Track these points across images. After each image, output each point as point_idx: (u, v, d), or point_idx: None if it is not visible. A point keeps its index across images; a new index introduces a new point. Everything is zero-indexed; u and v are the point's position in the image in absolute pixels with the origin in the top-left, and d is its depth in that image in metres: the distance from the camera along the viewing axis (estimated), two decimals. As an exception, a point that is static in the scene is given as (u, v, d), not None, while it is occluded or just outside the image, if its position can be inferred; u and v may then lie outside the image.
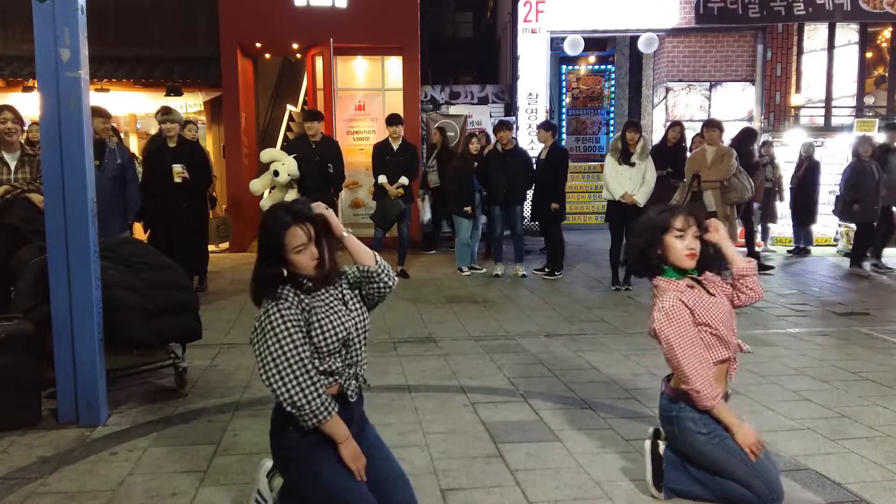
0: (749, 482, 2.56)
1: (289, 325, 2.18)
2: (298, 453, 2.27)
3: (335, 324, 2.25)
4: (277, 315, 2.19)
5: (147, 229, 6.90)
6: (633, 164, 7.19)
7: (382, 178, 7.63)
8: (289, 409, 2.16)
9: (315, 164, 7.30)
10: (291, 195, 7.27)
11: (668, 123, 8.70)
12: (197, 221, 6.93)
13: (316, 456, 2.24)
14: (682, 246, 2.61)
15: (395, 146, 7.74)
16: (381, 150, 7.81)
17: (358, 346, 2.34)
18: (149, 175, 6.64)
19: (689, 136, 8.61)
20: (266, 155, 7.39)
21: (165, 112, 6.79)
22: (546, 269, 8.10)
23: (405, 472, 2.46)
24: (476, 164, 8.09)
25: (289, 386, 2.14)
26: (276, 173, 7.13)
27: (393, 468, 2.41)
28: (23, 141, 4.93)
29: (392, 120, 7.78)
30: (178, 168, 6.52)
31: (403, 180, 7.63)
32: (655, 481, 2.76)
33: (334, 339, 2.23)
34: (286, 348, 2.15)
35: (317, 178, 7.35)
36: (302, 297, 2.26)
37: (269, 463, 2.55)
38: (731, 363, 2.69)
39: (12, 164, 4.66)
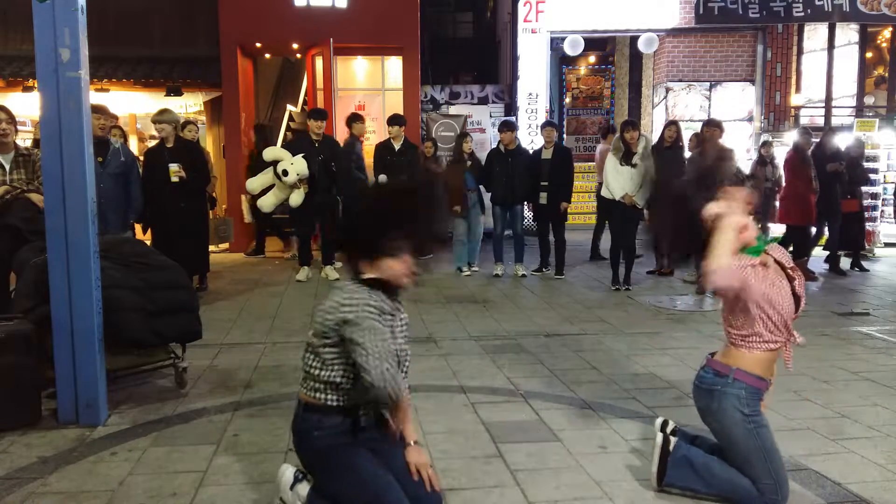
0: (762, 478, 2.56)
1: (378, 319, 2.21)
2: (330, 455, 2.29)
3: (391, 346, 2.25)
4: (373, 307, 2.21)
5: (146, 229, 6.90)
6: (634, 165, 7.20)
7: (382, 178, 7.64)
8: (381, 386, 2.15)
9: (321, 163, 7.32)
10: (297, 195, 7.26)
11: (665, 123, 8.70)
12: (196, 221, 6.92)
13: (346, 454, 2.28)
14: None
15: (397, 146, 7.75)
16: (382, 149, 7.83)
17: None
18: (147, 175, 6.65)
19: (687, 135, 8.61)
20: (269, 153, 7.37)
21: (159, 113, 6.81)
22: (544, 270, 8.13)
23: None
24: (469, 163, 8.11)
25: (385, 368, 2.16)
26: (284, 173, 7.10)
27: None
28: (20, 141, 4.93)
29: (392, 120, 7.80)
30: (174, 167, 6.52)
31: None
32: (659, 475, 2.77)
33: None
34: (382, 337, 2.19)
35: (323, 177, 7.38)
36: (385, 306, 2.27)
37: (289, 472, 2.51)
38: (786, 349, 2.65)
39: (7, 165, 4.65)
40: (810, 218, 7.94)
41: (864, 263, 8.65)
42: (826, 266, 8.43)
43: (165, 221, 6.64)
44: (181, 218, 6.66)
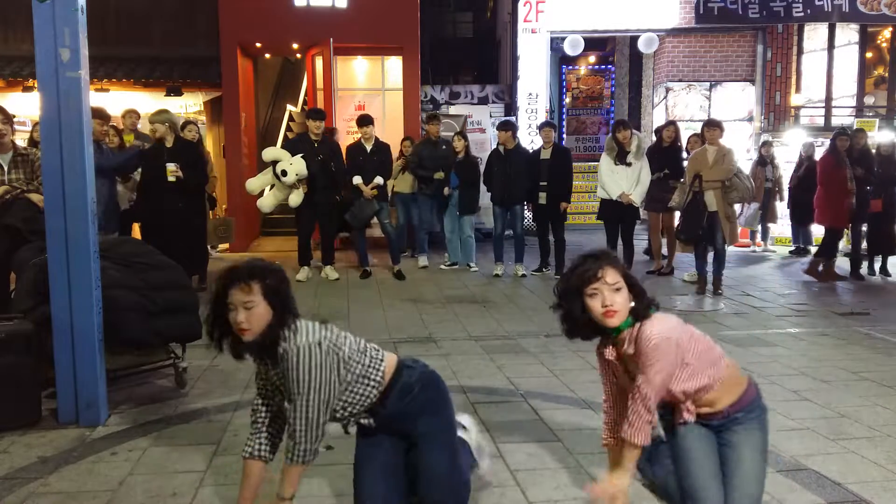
0: (687, 495, 2.40)
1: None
2: None
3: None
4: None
5: (144, 229, 6.83)
6: (629, 164, 7.23)
7: (357, 179, 7.61)
8: None
9: (319, 163, 7.32)
10: (297, 195, 7.25)
11: (663, 123, 8.69)
12: (194, 221, 6.85)
13: (357, 446, 2.51)
14: (598, 305, 2.32)
15: (369, 147, 7.72)
16: (354, 151, 7.78)
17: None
18: (145, 174, 6.62)
19: (685, 135, 8.60)
20: (269, 154, 7.36)
21: (155, 114, 6.78)
22: (544, 270, 8.14)
23: (437, 472, 2.41)
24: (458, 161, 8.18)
25: None
26: (283, 173, 7.09)
27: (424, 464, 2.41)
28: (21, 141, 4.94)
29: (362, 121, 7.75)
30: (171, 167, 6.45)
31: (378, 180, 7.61)
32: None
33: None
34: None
35: (322, 177, 7.38)
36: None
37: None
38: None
39: (5, 165, 4.66)
40: (842, 220, 7.81)
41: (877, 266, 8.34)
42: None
43: (163, 220, 6.55)
44: (179, 217, 6.58)
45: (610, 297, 2.29)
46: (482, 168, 8.23)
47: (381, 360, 2.43)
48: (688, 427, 2.43)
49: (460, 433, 2.68)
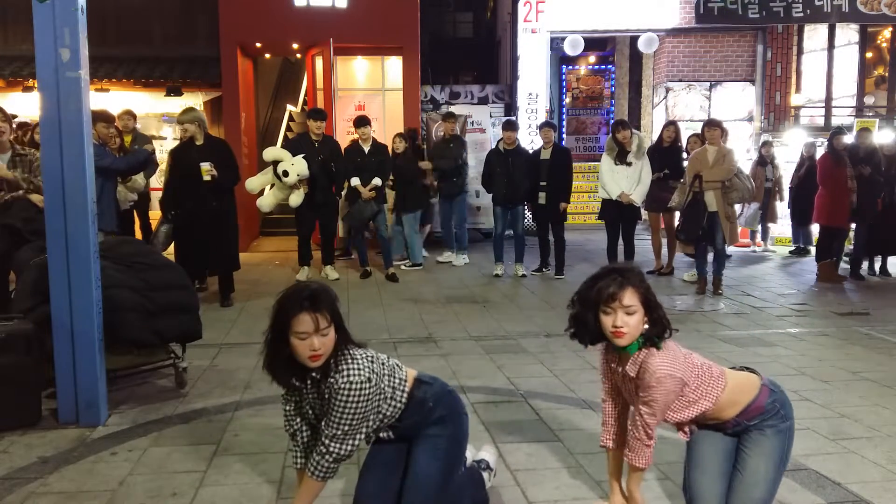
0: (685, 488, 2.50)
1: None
2: None
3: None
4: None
5: (176, 230, 6.56)
6: (629, 164, 7.23)
7: (355, 181, 7.59)
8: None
9: (319, 164, 7.31)
10: (297, 195, 7.25)
11: (663, 124, 8.69)
12: (227, 220, 6.53)
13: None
14: (609, 323, 2.33)
15: (366, 148, 7.70)
16: (352, 152, 7.74)
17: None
18: (177, 174, 6.37)
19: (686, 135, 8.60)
20: (270, 153, 7.34)
21: (183, 112, 6.54)
22: (544, 270, 8.13)
23: (420, 476, 2.42)
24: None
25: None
26: (285, 173, 7.07)
27: (411, 465, 2.45)
28: (22, 142, 4.94)
29: (359, 122, 7.71)
30: (206, 166, 6.18)
31: (376, 181, 7.58)
32: None
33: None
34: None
35: (322, 178, 7.37)
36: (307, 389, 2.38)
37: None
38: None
39: (4, 165, 4.66)
40: (840, 219, 7.79)
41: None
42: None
43: (197, 221, 6.31)
44: (212, 217, 6.33)
45: (622, 319, 2.31)
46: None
47: (405, 380, 2.46)
48: (700, 430, 2.50)
49: (485, 475, 2.75)
